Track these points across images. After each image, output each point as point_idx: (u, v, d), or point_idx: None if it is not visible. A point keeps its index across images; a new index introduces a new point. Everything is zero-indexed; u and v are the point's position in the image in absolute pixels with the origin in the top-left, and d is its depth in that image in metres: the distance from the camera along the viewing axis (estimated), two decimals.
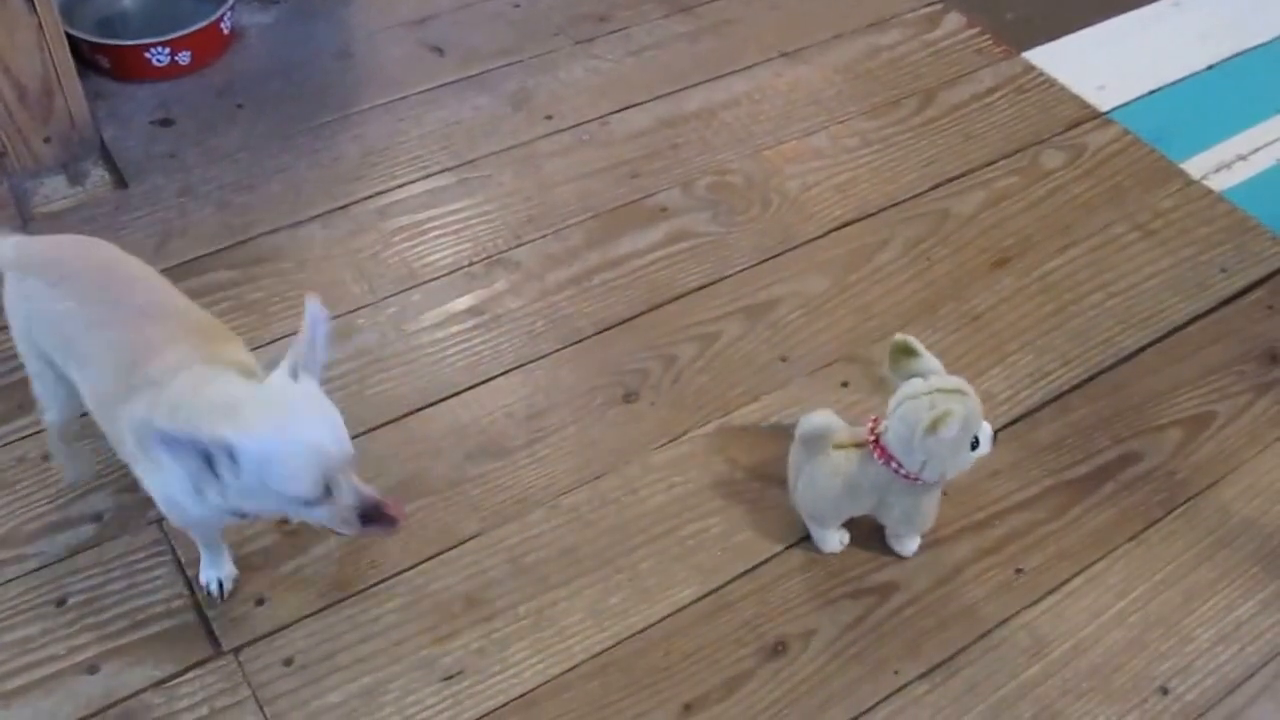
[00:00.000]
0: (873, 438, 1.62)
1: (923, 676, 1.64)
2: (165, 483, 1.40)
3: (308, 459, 1.29)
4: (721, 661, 1.64)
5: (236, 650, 1.62)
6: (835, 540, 1.74)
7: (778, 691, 1.62)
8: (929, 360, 1.59)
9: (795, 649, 1.66)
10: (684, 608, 1.69)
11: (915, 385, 1.57)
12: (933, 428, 1.52)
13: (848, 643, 1.66)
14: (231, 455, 1.26)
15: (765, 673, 1.63)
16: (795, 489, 1.71)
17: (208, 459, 1.27)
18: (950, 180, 2.32)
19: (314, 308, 1.33)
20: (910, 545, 1.75)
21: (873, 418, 1.64)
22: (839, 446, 1.64)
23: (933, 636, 1.67)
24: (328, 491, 1.32)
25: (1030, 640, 1.68)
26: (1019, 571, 1.75)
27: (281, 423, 1.30)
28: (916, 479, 1.60)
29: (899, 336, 1.61)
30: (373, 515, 1.35)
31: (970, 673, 1.64)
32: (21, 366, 1.57)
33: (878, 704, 1.61)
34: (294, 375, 1.32)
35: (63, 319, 1.49)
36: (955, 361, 1.97)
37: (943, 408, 1.52)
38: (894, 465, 1.60)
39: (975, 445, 1.59)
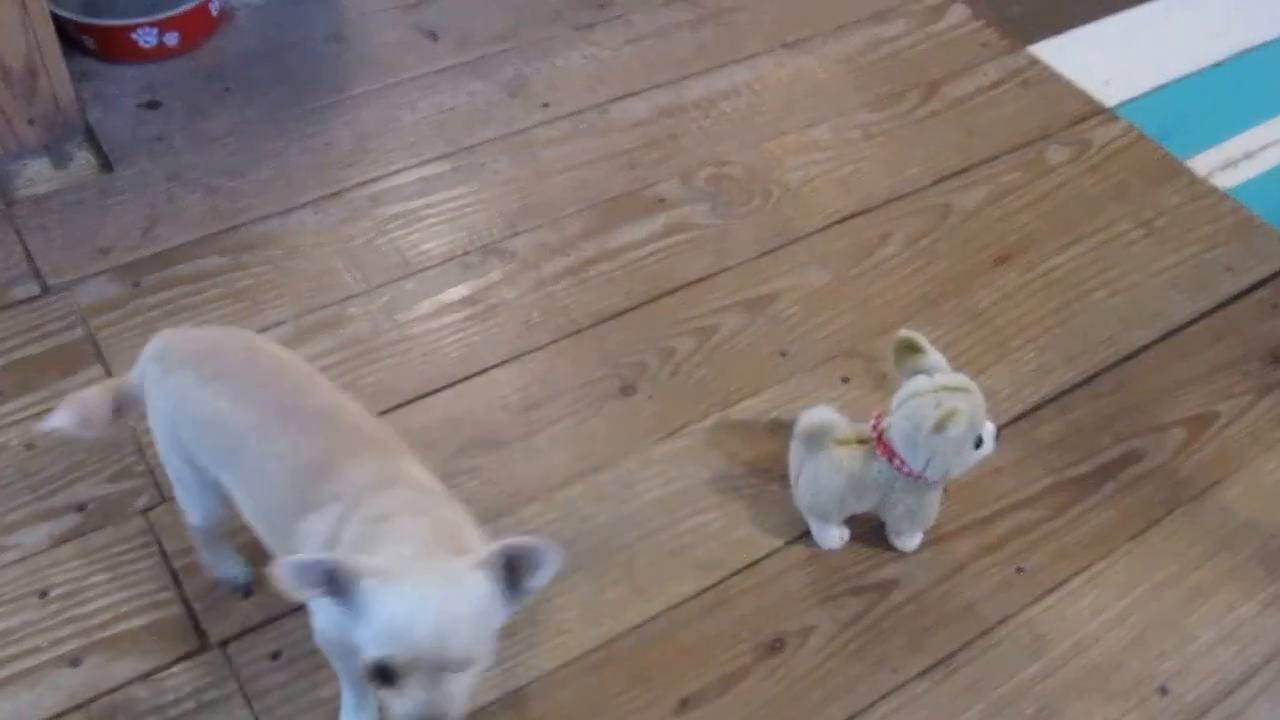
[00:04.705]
0: (876, 434, 1.60)
1: (922, 674, 1.61)
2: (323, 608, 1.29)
3: (391, 627, 1.13)
4: (719, 657, 1.62)
5: (224, 643, 1.58)
6: (836, 537, 1.72)
7: (776, 688, 1.59)
8: (934, 357, 1.57)
9: (793, 645, 1.63)
10: (681, 603, 1.66)
11: (920, 383, 1.55)
12: (938, 426, 1.50)
13: (847, 639, 1.64)
14: (352, 587, 1.14)
15: (763, 669, 1.61)
16: (797, 485, 1.68)
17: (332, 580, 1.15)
18: (954, 174, 2.29)
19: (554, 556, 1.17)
20: (912, 541, 1.72)
21: (876, 414, 1.61)
22: (841, 442, 1.62)
23: (933, 634, 1.65)
24: (393, 677, 1.14)
25: (1030, 638, 1.65)
26: (1020, 570, 1.72)
27: (411, 584, 1.15)
28: (920, 477, 1.58)
29: (903, 332, 1.59)
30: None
31: (970, 670, 1.62)
32: None
33: (876, 701, 1.58)
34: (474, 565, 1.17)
35: (218, 422, 1.37)
36: (957, 358, 1.93)
37: (948, 406, 1.50)
38: (897, 462, 1.57)
39: (979, 444, 1.57)
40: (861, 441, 1.62)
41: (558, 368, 1.93)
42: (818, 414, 1.62)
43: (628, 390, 1.90)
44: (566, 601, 1.65)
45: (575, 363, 1.94)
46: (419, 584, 1.15)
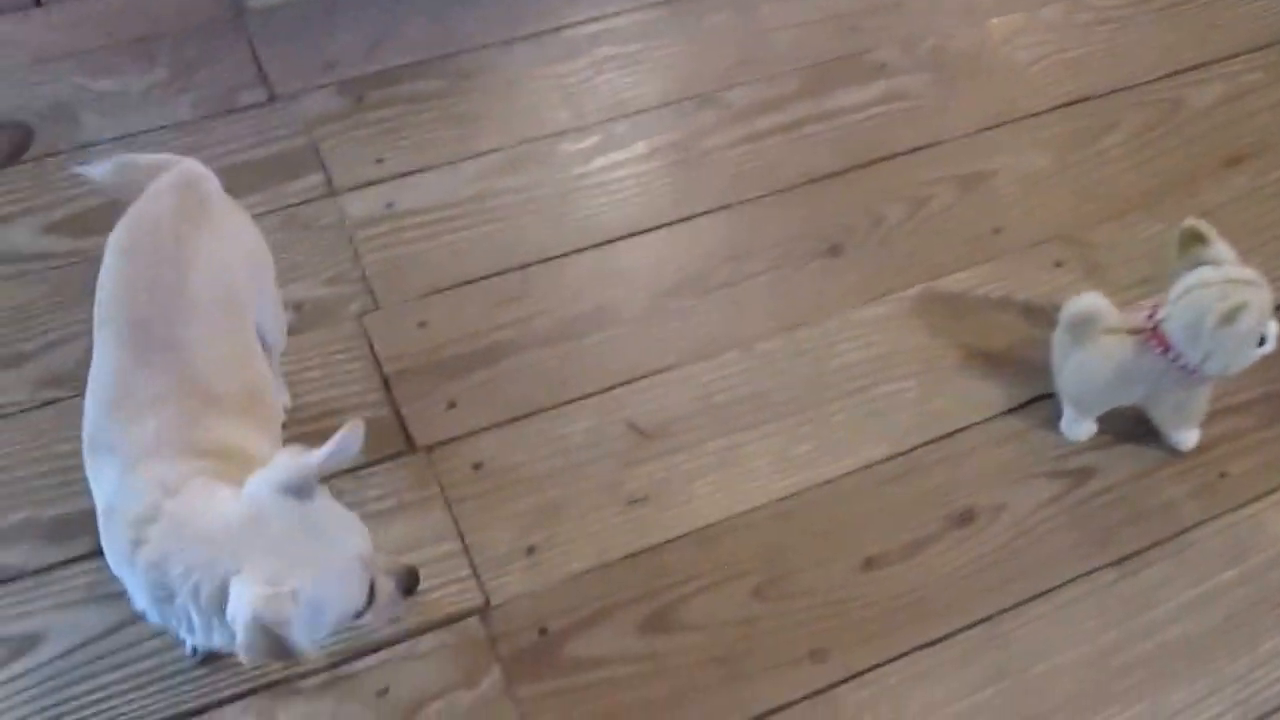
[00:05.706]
0: (1151, 325, 1.54)
1: (1113, 565, 1.59)
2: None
3: (360, 575, 1.18)
4: (906, 523, 1.61)
5: (429, 449, 1.64)
6: (1085, 430, 1.68)
7: (961, 559, 1.59)
8: (1220, 248, 1.51)
9: (983, 520, 1.62)
10: (872, 465, 1.66)
11: (1205, 274, 1.49)
12: (1225, 319, 1.44)
13: (1038, 520, 1.62)
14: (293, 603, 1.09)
15: (950, 539, 1.60)
16: (1060, 373, 1.64)
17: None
18: (1188, 70, 2.18)
19: (354, 435, 1.17)
20: (1190, 439, 1.68)
21: (1152, 304, 1.56)
22: (1110, 332, 1.57)
23: (1128, 527, 1.62)
24: (372, 594, 1.21)
25: (1227, 545, 1.61)
26: (1223, 475, 1.68)
27: (323, 556, 1.15)
28: (1195, 371, 1.53)
29: (1189, 221, 1.53)
30: (410, 584, 1.27)
31: (1163, 568, 1.59)
32: None
33: (1062, 585, 1.57)
34: (299, 493, 1.13)
35: (101, 288, 1.29)
36: None
37: (1237, 298, 1.44)
38: (1173, 355, 1.52)
39: (1262, 342, 1.51)
40: (1132, 332, 1.56)
41: (765, 221, 1.91)
42: (1086, 300, 1.57)
43: (835, 251, 1.88)
44: (758, 450, 1.67)
45: (783, 218, 1.92)
46: (329, 543, 1.16)
